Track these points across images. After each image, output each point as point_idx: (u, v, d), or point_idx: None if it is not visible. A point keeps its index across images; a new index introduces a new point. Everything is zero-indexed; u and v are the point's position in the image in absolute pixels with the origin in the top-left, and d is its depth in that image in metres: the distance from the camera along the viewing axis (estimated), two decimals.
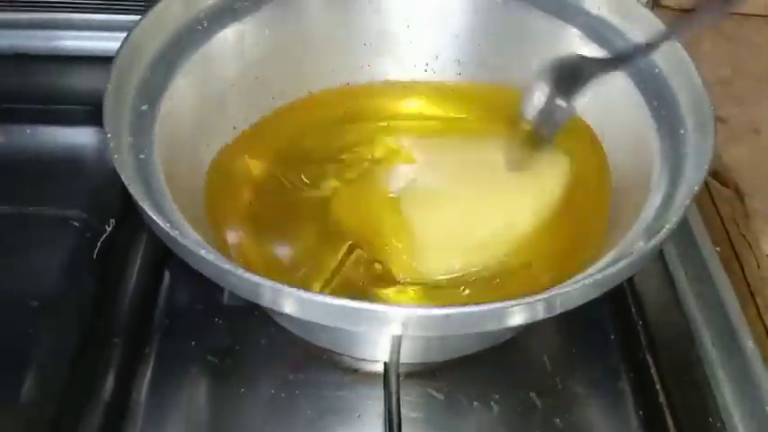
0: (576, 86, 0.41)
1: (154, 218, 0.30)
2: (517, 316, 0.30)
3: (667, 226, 0.32)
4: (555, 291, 0.30)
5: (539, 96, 0.41)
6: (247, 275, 0.28)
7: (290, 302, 0.29)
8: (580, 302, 0.32)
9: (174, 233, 0.30)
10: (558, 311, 0.31)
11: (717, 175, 0.54)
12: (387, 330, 0.29)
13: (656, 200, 0.36)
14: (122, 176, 0.32)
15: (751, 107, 0.57)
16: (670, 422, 0.43)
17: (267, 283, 0.28)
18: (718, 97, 0.57)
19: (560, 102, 0.41)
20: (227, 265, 0.29)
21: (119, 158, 0.33)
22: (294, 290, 0.28)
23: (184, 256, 0.31)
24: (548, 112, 0.42)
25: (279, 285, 0.28)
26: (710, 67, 0.60)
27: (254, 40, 0.45)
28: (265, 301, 0.29)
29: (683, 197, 0.35)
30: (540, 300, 0.29)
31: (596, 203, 0.42)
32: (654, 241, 0.32)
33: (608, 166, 0.43)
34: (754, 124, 0.56)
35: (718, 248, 0.49)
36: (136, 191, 0.31)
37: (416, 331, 0.29)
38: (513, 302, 0.29)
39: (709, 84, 0.58)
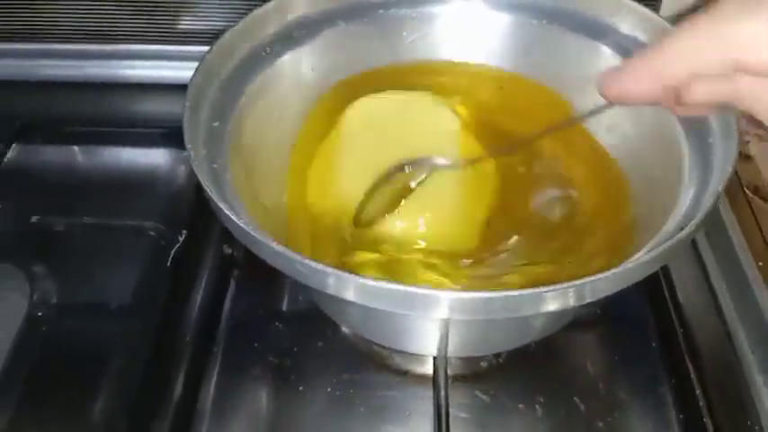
0: None
1: (228, 214, 0.34)
2: (551, 301, 0.32)
3: (689, 225, 0.35)
4: (585, 279, 0.32)
5: None
6: (314, 264, 0.32)
7: (351, 288, 0.32)
8: (609, 292, 0.33)
9: (246, 228, 0.33)
10: (588, 299, 0.33)
11: (757, 191, 0.56)
12: (436, 313, 0.32)
13: (686, 201, 0.38)
14: (200, 179, 0.36)
15: None
16: (710, 427, 0.44)
17: (332, 271, 0.32)
18: None
19: None
20: (296, 255, 0.32)
21: (197, 165, 0.37)
22: (354, 276, 0.31)
23: (255, 247, 0.34)
24: None
25: (343, 273, 0.32)
26: None
27: (310, 65, 0.50)
28: (330, 288, 0.32)
29: (709, 198, 0.37)
30: (570, 287, 0.32)
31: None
32: (678, 236, 0.34)
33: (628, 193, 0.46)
34: None
35: (760, 263, 0.51)
36: (212, 191, 0.35)
37: (461, 314, 0.32)
38: (546, 288, 0.31)
39: None
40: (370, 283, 0.32)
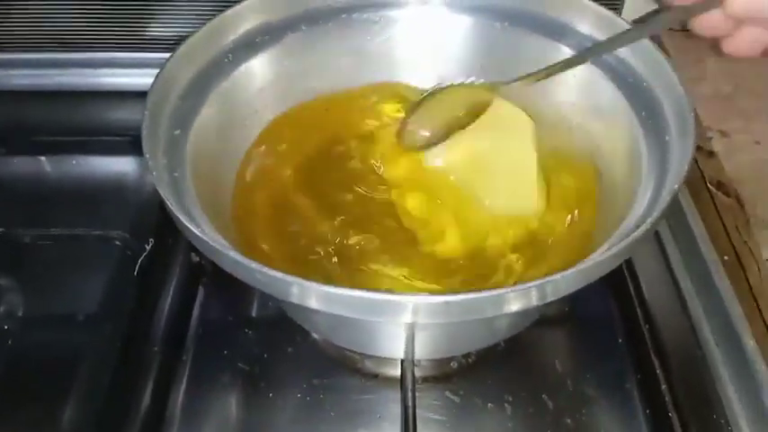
0: None
1: (187, 225, 0.34)
2: (514, 302, 0.32)
3: (649, 219, 0.35)
4: (546, 279, 0.32)
5: None
6: (276, 273, 0.32)
7: (314, 296, 0.32)
8: (571, 290, 0.34)
9: (205, 238, 0.33)
10: (550, 298, 0.33)
11: (720, 185, 0.56)
12: (401, 318, 0.32)
13: (644, 199, 0.39)
14: (159, 190, 0.36)
15: (752, 121, 0.59)
16: (676, 420, 0.45)
17: (292, 280, 0.32)
18: (720, 111, 0.61)
19: None
20: (256, 265, 0.32)
21: (157, 175, 0.37)
22: (316, 284, 0.31)
23: (216, 258, 0.34)
24: None
25: (304, 281, 0.32)
26: (713, 83, 0.63)
27: (274, 70, 0.50)
28: (293, 296, 0.32)
29: (667, 193, 0.37)
30: (532, 286, 0.32)
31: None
32: (634, 234, 0.34)
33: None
34: (755, 136, 0.58)
35: (726, 257, 0.51)
36: (171, 203, 0.35)
37: (425, 318, 0.32)
38: (508, 289, 0.32)
39: (710, 99, 0.61)
40: (332, 290, 0.32)
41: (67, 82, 0.65)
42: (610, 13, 0.47)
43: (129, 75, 0.65)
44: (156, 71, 0.43)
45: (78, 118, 0.64)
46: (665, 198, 0.37)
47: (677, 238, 0.53)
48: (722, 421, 0.45)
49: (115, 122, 0.64)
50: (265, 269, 0.32)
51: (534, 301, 0.34)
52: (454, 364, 0.49)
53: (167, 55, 0.44)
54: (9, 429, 0.44)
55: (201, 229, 0.35)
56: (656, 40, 0.45)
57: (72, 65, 0.65)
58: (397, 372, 0.47)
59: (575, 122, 0.49)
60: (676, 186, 0.37)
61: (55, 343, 0.49)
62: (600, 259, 0.34)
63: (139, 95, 0.61)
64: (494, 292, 0.32)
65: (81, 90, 0.65)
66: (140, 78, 0.63)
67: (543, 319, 0.48)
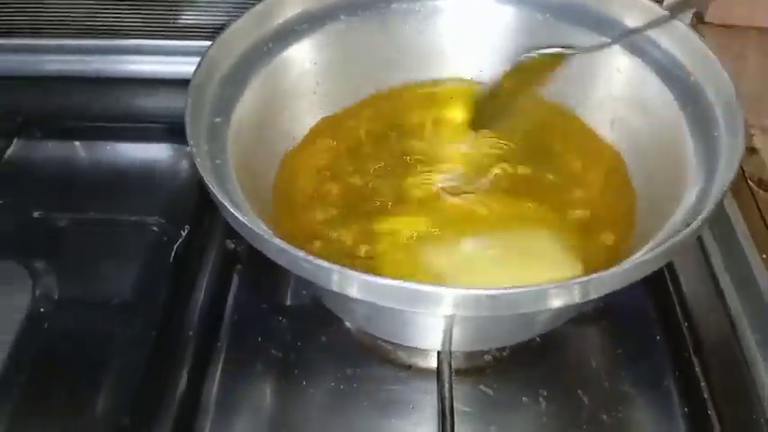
0: None
1: (233, 212, 0.34)
2: (556, 298, 0.32)
3: (698, 218, 0.35)
4: (590, 276, 0.32)
5: None
6: (320, 261, 0.32)
7: (355, 285, 0.32)
8: (613, 288, 0.33)
9: (251, 225, 0.33)
10: (592, 295, 0.33)
11: (761, 183, 0.55)
12: (441, 310, 0.32)
13: (690, 198, 0.38)
14: (203, 177, 0.36)
15: None
16: (715, 420, 0.44)
17: (337, 268, 0.32)
18: (761, 107, 0.60)
19: None
20: (301, 253, 0.32)
21: (200, 162, 0.37)
22: (358, 273, 0.31)
23: (261, 245, 0.34)
24: None
25: (347, 270, 0.32)
26: (755, 79, 0.62)
27: (313, 59, 0.49)
28: (334, 285, 0.32)
29: (715, 193, 0.37)
30: (575, 283, 0.32)
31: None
32: (684, 232, 0.34)
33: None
34: None
35: (764, 255, 0.50)
36: (216, 189, 0.35)
37: (466, 311, 0.32)
38: (551, 285, 0.31)
39: (752, 97, 0.60)
40: (374, 279, 0.32)
41: (101, 68, 0.65)
42: (655, 6, 0.46)
43: (162, 62, 0.65)
44: (188, 59, 0.44)
45: (112, 104, 0.64)
46: (715, 197, 0.36)
47: (717, 234, 0.53)
48: (762, 421, 0.44)
49: (149, 109, 0.64)
50: (310, 257, 0.32)
51: (577, 297, 0.33)
52: (488, 357, 0.48)
53: (200, 43, 0.45)
54: (43, 414, 0.44)
55: (246, 216, 0.35)
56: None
57: (105, 51, 0.65)
58: (430, 363, 0.47)
59: (617, 116, 0.48)
60: (726, 186, 0.36)
61: (90, 328, 0.49)
62: (644, 259, 0.34)
63: (172, 83, 0.63)
64: (537, 288, 0.32)
65: (114, 77, 0.65)
66: (173, 66, 0.64)
67: (579, 315, 0.48)
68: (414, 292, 0.32)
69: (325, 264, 0.32)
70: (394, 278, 0.31)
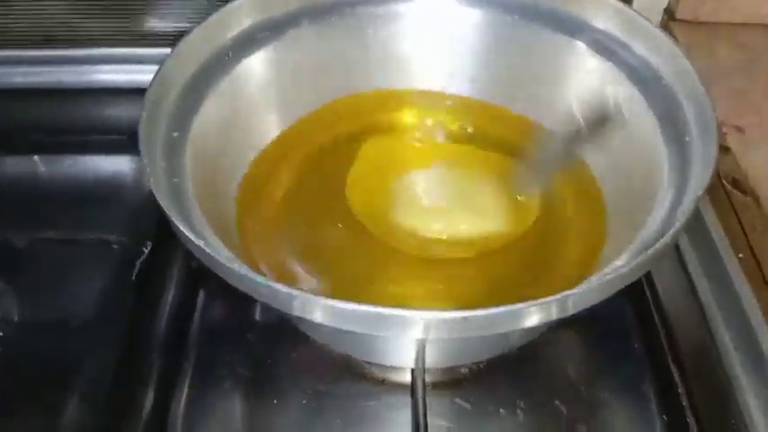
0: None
1: (190, 237, 0.32)
2: (533, 317, 0.31)
3: (672, 229, 0.34)
4: (567, 292, 0.31)
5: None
6: (279, 287, 0.30)
7: (319, 311, 0.31)
8: (591, 303, 0.33)
9: (208, 250, 0.32)
10: (570, 312, 0.32)
11: (736, 183, 0.55)
12: (410, 334, 0.31)
13: (665, 204, 0.37)
14: (158, 199, 0.34)
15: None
16: (694, 427, 0.43)
17: (297, 294, 0.30)
18: (735, 107, 0.59)
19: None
20: (260, 278, 0.31)
21: (155, 182, 0.35)
22: (322, 299, 0.30)
23: (219, 271, 0.33)
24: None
25: (309, 296, 0.30)
26: (727, 78, 0.61)
27: (275, 66, 0.48)
28: (296, 310, 0.31)
29: (690, 200, 0.36)
30: (552, 301, 0.31)
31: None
32: (660, 242, 0.33)
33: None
34: None
35: (740, 255, 0.50)
36: (171, 212, 0.33)
37: (437, 334, 0.31)
38: (527, 304, 0.30)
39: (725, 94, 0.59)
40: (339, 305, 0.30)
41: (60, 79, 0.63)
42: (626, 8, 0.45)
43: (124, 71, 0.63)
44: (153, 67, 0.42)
45: (73, 116, 0.62)
46: (689, 205, 0.35)
47: (692, 236, 0.52)
48: (741, 426, 0.43)
49: (111, 120, 0.62)
50: (270, 283, 0.31)
51: (554, 315, 0.32)
52: (464, 370, 0.47)
53: (164, 50, 0.43)
54: None
55: (204, 238, 0.33)
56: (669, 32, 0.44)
57: (65, 62, 0.63)
58: (404, 377, 0.46)
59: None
60: (700, 193, 0.35)
61: (52, 349, 0.47)
62: (622, 272, 0.33)
63: (136, 92, 0.59)
64: (513, 307, 0.31)
65: (75, 87, 0.63)
66: (136, 75, 0.62)
67: (557, 323, 0.47)
68: (380, 316, 0.31)
69: (286, 290, 0.30)
70: (359, 303, 0.30)
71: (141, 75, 0.60)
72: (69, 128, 0.61)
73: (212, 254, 0.32)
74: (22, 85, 0.63)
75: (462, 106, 0.51)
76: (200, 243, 0.32)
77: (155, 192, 0.35)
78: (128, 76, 0.63)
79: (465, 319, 0.30)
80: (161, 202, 0.34)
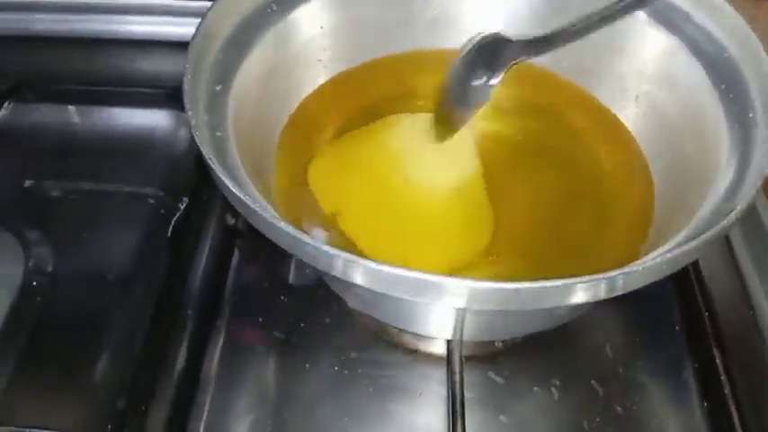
0: (494, 68, 0.42)
1: (234, 192, 0.31)
2: (582, 293, 0.30)
3: (735, 210, 0.32)
4: (618, 271, 0.30)
5: (458, 75, 0.42)
6: (323, 247, 0.29)
7: (360, 273, 0.30)
8: (642, 284, 0.31)
9: (254, 205, 0.31)
10: (619, 292, 0.31)
11: None
12: (454, 303, 0.30)
13: (723, 184, 0.36)
14: (203, 153, 0.33)
15: None
16: (734, 414, 0.42)
17: (341, 255, 0.29)
18: None
19: (475, 82, 0.42)
20: (305, 237, 0.30)
21: (199, 136, 0.34)
22: (365, 261, 0.29)
23: (264, 228, 0.32)
24: (463, 93, 0.43)
25: (352, 257, 0.29)
26: None
27: (319, 22, 0.46)
28: (337, 271, 0.30)
29: (751, 181, 0.34)
30: (602, 279, 0.29)
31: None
32: (721, 225, 0.31)
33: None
34: None
35: None
36: (217, 167, 0.32)
37: (479, 305, 0.30)
38: (577, 279, 0.29)
39: None
40: (382, 268, 0.29)
41: (98, 29, 0.62)
42: None
43: (161, 23, 0.62)
44: (190, 20, 0.41)
45: (109, 67, 0.61)
46: (751, 186, 0.34)
47: (741, 222, 0.50)
48: None
49: (148, 73, 0.61)
50: (314, 243, 0.30)
51: (603, 293, 0.31)
52: (499, 344, 0.46)
53: (201, 3, 0.41)
54: (37, 390, 0.43)
55: (249, 195, 0.32)
56: None
57: (104, 11, 0.62)
58: (437, 348, 0.46)
59: (641, 91, 0.45)
60: (763, 177, 0.33)
61: (85, 302, 0.47)
62: (680, 251, 0.31)
63: (171, 45, 0.60)
64: (562, 282, 0.30)
65: (111, 38, 0.62)
66: (174, 27, 0.61)
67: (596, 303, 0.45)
68: (425, 282, 0.30)
69: (330, 250, 0.29)
70: (402, 267, 0.29)
71: (178, 27, 0.60)
72: (106, 79, 0.60)
73: (259, 210, 0.31)
74: (61, 32, 0.62)
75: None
76: (246, 199, 0.31)
77: (200, 145, 0.34)
78: (165, 28, 0.62)
79: (515, 290, 0.29)
80: (206, 156, 0.33)
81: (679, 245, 0.32)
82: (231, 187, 0.31)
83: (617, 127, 0.46)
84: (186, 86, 0.37)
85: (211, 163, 0.32)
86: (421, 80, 0.49)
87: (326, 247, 0.30)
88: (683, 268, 0.47)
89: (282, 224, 0.30)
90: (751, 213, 0.49)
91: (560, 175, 0.45)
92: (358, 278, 0.31)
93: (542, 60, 0.48)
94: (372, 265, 0.30)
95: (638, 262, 0.31)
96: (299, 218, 0.41)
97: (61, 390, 0.43)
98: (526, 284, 0.29)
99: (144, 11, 0.62)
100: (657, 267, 0.31)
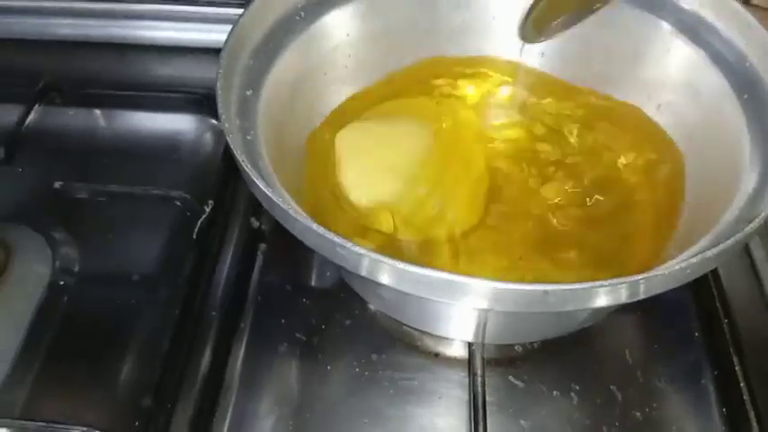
0: None
1: (267, 193, 0.32)
2: (603, 297, 0.30)
3: (758, 218, 0.33)
4: (640, 276, 0.30)
5: None
6: (353, 247, 0.30)
7: (387, 273, 0.30)
8: (663, 289, 0.32)
9: (286, 207, 0.32)
10: (641, 296, 0.31)
11: None
12: (478, 303, 0.30)
13: (747, 191, 0.36)
14: (236, 156, 0.34)
15: None
16: (754, 421, 0.43)
17: (369, 255, 0.30)
18: None
19: None
20: (336, 238, 0.30)
21: (232, 139, 0.35)
22: (392, 261, 0.30)
23: (294, 229, 0.32)
24: None
25: (379, 257, 0.30)
26: None
27: (346, 29, 0.47)
28: (365, 270, 0.31)
29: None
30: (624, 283, 0.30)
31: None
32: (744, 231, 0.32)
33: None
34: None
35: None
36: (249, 169, 0.33)
37: (503, 306, 0.31)
38: (597, 283, 0.30)
39: None
40: (408, 268, 0.30)
41: (126, 34, 0.63)
42: None
43: (187, 29, 0.63)
44: (215, 26, 0.42)
45: (136, 72, 0.63)
46: None
47: (761, 229, 0.50)
48: None
49: (174, 78, 0.62)
50: (344, 242, 0.31)
51: (624, 297, 0.32)
52: (519, 348, 0.47)
53: (227, 10, 0.42)
54: (64, 388, 0.43)
55: (280, 197, 0.33)
56: None
57: (132, 17, 0.63)
58: (457, 351, 0.46)
59: (664, 101, 0.46)
60: None
61: (111, 302, 0.47)
62: (700, 260, 0.32)
63: (198, 51, 0.61)
64: (583, 285, 0.30)
65: (139, 43, 0.63)
66: (200, 34, 0.62)
67: (615, 309, 0.46)
68: (450, 283, 0.30)
69: (358, 249, 0.30)
70: (427, 267, 0.30)
71: (204, 34, 0.61)
72: (134, 84, 0.61)
73: (291, 212, 0.32)
74: (90, 37, 0.63)
75: (530, 78, 0.49)
76: (279, 200, 0.32)
77: (233, 149, 0.34)
78: (191, 35, 0.63)
79: (536, 292, 0.30)
80: (239, 159, 0.34)
81: (701, 251, 0.32)
82: (264, 189, 0.32)
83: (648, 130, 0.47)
84: (219, 91, 0.37)
85: (245, 166, 0.33)
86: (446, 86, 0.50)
87: (356, 248, 0.31)
88: (702, 276, 0.48)
89: (314, 225, 0.31)
90: None
91: (588, 181, 0.46)
92: (384, 278, 0.31)
93: (566, 71, 0.48)
94: (399, 264, 0.30)
95: (660, 267, 0.32)
96: (325, 220, 0.42)
97: (88, 387, 0.44)
98: (553, 286, 0.29)
99: (170, 17, 0.63)
100: (679, 273, 0.31)
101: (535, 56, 0.50)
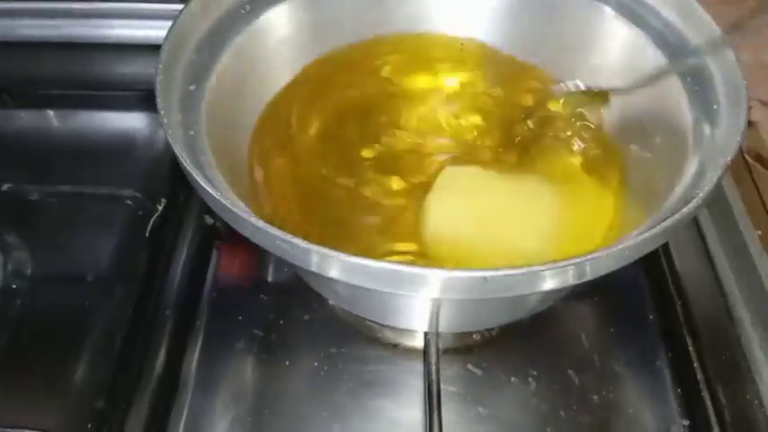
0: None
1: (207, 189, 0.32)
2: (550, 280, 0.30)
3: (696, 197, 0.33)
4: (585, 257, 0.30)
5: None
6: (297, 241, 0.30)
7: (336, 266, 0.30)
8: (610, 269, 0.32)
9: (226, 202, 0.31)
10: (588, 277, 0.31)
11: (760, 158, 0.54)
12: (427, 293, 0.30)
13: (690, 172, 0.36)
14: (175, 150, 0.33)
15: None
16: (708, 401, 0.43)
17: (316, 249, 0.30)
18: (760, 80, 0.57)
19: None
20: (279, 233, 0.30)
21: (171, 134, 0.35)
22: (339, 254, 0.29)
23: (237, 224, 0.32)
24: None
25: (326, 250, 0.30)
26: (753, 50, 0.60)
27: (292, 23, 0.47)
28: (313, 265, 0.31)
29: (715, 169, 0.35)
30: (570, 264, 0.30)
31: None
32: (683, 210, 0.32)
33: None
34: None
35: (759, 231, 0.49)
36: (188, 164, 0.33)
37: (453, 294, 0.31)
38: (544, 266, 0.30)
39: (751, 67, 0.58)
40: (356, 261, 0.30)
41: (74, 33, 0.62)
42: None
43: (138, 27, 0.62)
44: (167, 23, 0.41)
45: (86, 71, 0.62)
46: (712, 177, 0.34)
47: (712, 209, 0.51)
48: (756, 402, 0.43)
49: (125, 76, 0.61)
50: (288, 237, 0.30)
51: (572, 279, 0.32)
52: (476, 336, 0.47)
53: (179, 6, 0.42)
54: (17, 392, 0.43)
55: (220, 191, 0.33)
56: None
57: (79, 15, 0.62)
58: (417, 342, 0.46)
59: (613, 85, 0.46)
60: (725, 166, 0.34)
61: (65, 304, 0.47)
62: (641, 238, 0.32)
63: (150, 48, 0.60)
64: (529, 269, 0.30)
65: (88, 42, 0.62)
66: (150, 31, 0.61)
67: (570, 293, 0.46)
68: (397, 273, 0.30)
69: (305, 244, 0.30)
70: (376, 260, 0.29)
71: (155, 30, 0.60)
72: (82, 83, 0.60)
73: (230, 206, 0.31)
74: (34, 38, 0.62)
75: (477, 55, 0.49)
76: (218, 195, 0.31)
77: (171, 143, 0.34)
78: (141, 32, 0.62)
79: (482, 278, 0.30)
80: (178, 154, 0.33)
81: (647, 230, 0.32)
82: (202, 183, 0.32)
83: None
84: (159, 86, 0.37)
85: (183, 160, 0.33)
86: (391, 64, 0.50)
87: (301, 242, 0.30)
88: (655, 258, 0.49)
89: (254, 219, 0.31)
90: (720, 202, 0.50)
91: (532, 165, 0.46)
92: (333, 272, 0.31)
93: (516, 50, 0.49)
94: (347, 258, 0.30)
95: (605, 248, 0.32)
96: (272, 216, 0.42)
97: (41, 391, 0.43)
98: (493, 272, 0.29)
99: (121, 15, 0.62)
100: (623, 252, 0.31)
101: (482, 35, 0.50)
